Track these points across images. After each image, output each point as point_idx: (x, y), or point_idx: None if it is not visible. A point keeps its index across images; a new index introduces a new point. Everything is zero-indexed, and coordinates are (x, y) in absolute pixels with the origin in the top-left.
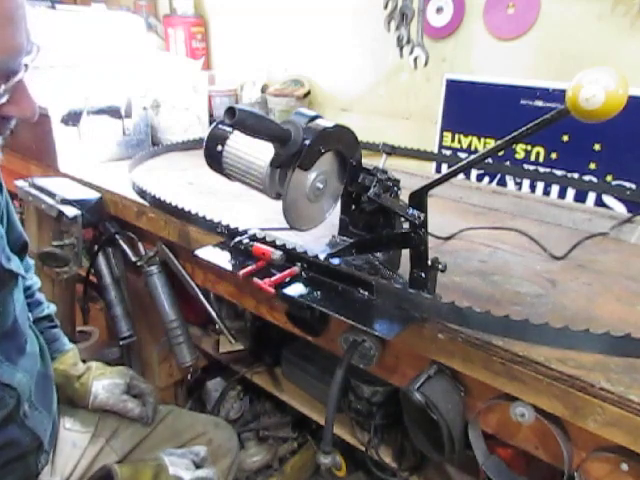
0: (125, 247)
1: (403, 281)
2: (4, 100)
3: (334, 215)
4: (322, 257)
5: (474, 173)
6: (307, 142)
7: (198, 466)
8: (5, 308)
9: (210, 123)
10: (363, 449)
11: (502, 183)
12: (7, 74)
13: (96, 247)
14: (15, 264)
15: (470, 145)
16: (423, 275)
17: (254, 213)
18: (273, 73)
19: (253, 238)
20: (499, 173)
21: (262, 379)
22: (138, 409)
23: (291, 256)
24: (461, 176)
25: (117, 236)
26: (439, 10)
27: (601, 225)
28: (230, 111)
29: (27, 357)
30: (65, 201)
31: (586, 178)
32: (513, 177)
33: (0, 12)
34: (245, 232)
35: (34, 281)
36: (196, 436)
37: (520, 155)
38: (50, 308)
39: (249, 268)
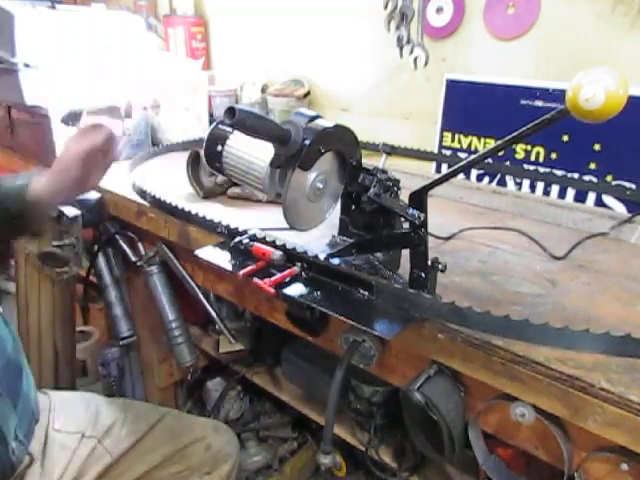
0: (125, 247)
1: (403, 281)
2: None
3: (334, 215)
4: (322, 257)
5: (474, 173)
6: (307, 142)
7: None
8: None
9: (210, 123)
10: (363, 449)
11: (502, 183)
12: None
13: (96, 247)
14: None
15: (470, 145)
16: (423, 275)
17: (254, 213)
18: (273, 73)
19: (253, 238)
20: (499, 173)
21: (262, 379)
22: None
23: (291, 256)
24: (461, 176)
25: (117, 236)
26: (439, 10)
27: (601, 225)
28: (230, 111)
29: None
30: None
31: (586, 178)
32: (513, 177)
33: None
34: (245, 232)
35: None
36: (194, 440)
37: (520, 155)
38: None
39: (249, 268)
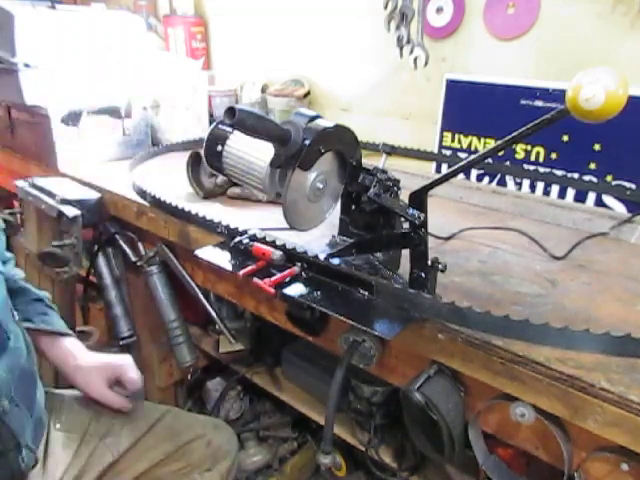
0: (125, 247)
1: (403, 281)
2: None
3: (334, 215)
4: (322, 257)
5: (474, 173)
6: (307, 142)
7: None
8: None
9: (210, 123)
10: (363, 449)
11: (502, 183)
12: None
13: (96, 247)
14: None
15: (470, 145)
16: (423, 275)
17: (254, 213)
18: (273, 73)
19: (253, 238)
20: (499, 173)
21: (262, 379)
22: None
23: (291, 256)
24: (461, 176)
25: (117, 236)
26: (439, 10)
27: (601, 225)
28: (230, 111)
29: (9, 353)
30: (65, 201)
31: (586, 178)
32: (513, 177)
33: None
34: (245, 232)
35: (15, 272)
36: (195, 437)
37: (520, 155)
38: (42, 293)
39: (249, 268)
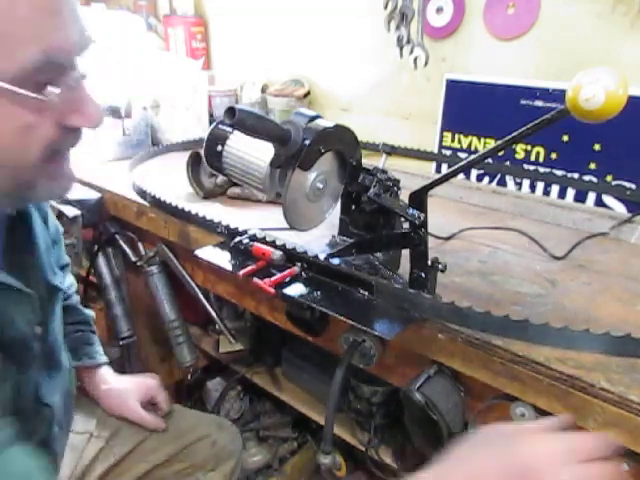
0: (125, 247)
1: (403, 281)
2: (61, 104)
3: (334, 215)
4: (322, 257)
5: (474, 173)
6: (307, 142)
7: None
8: (49, 325)
9: (210, 123)
10: (363, 449)
11: (502, 183)
12: (58, 74)
13: (96, 247)
14: (59, 278)
15: (470, 145)
16: (423, 275)
17: (254, 213)
18: (273, 73)
19: (253, 238)
20: (499, 173)
21: (262, 379)
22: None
23: (291, 256)
24: (461, 176)
25: (117, 236)
26: (439, 10)
27: (601, 225)
28: (230, 111)
29: (62, 374)
30: (65, 201)
31: (586, 178)
32: (513, 177)
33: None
34: (245, 232)
35: (71, 282)
36: (200, 437)
37: (520, 155)
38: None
39: (249, 268)
